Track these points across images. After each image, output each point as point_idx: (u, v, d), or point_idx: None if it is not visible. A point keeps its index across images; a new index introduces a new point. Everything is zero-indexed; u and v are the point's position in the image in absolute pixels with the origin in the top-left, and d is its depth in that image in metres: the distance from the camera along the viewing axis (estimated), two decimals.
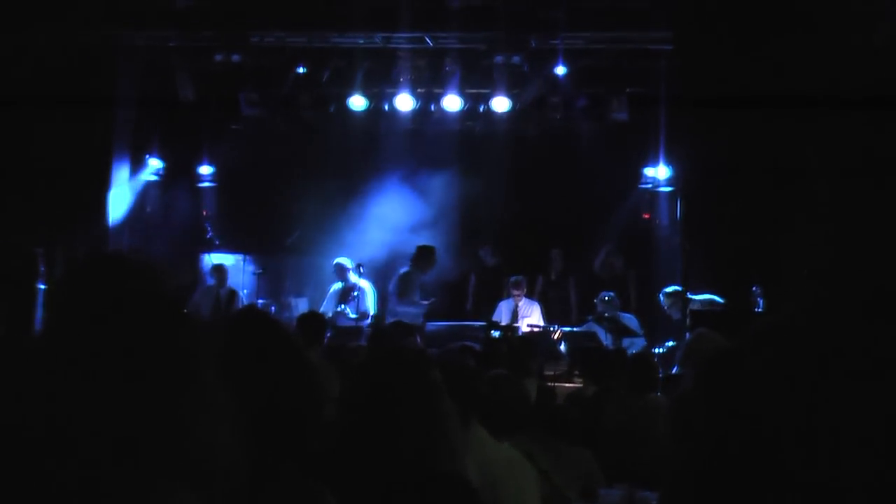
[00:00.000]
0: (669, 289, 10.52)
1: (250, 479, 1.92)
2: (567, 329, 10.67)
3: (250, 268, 12.48)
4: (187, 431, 1.42)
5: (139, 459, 1.37)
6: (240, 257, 12.70)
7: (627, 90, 12.19)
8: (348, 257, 11.48)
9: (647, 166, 12.66)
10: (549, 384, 7.42)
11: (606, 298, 10.79)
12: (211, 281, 11.68)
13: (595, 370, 6.60)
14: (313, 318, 7.78)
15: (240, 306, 11.21)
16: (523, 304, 11.49)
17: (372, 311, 11.12)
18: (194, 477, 1.41)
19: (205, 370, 1.49)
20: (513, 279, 11.53)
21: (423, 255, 11.04)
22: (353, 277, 11.28)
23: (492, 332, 10.16)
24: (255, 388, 2.01)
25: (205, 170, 13.58)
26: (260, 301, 11.88)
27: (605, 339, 10.31)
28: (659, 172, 12.52)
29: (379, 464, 2.53)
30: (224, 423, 1.49)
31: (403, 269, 11.04)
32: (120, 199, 12.40)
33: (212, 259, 12.32)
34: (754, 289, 9.78)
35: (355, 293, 11.05)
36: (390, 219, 12.30)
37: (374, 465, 2.53)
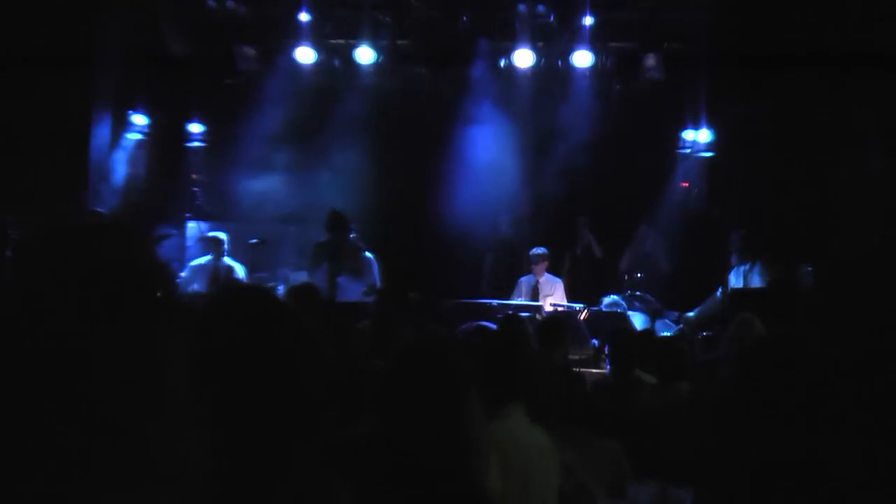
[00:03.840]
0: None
1: (261, 470, 1.98)
2: (595, 309, 10.70)
3: (244, 238, 12.49)
4: (154, 436, 1.39)
5: (99, 465, 1.35)
6: (233, 226, 12.71)
7: (664, 45, 12.15)
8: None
9: (685, 130, 12.63)
10: (576, 370, 7.47)
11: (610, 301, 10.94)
12: (206, 253, 11.70)
13: (619, 355, 6.65)
14: (304, 290, 7.64)
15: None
16: (545, 280, 11.52)
17: (378, 284, 11.14)
18: (158, 485, 1.38)
19: (178, 362, 1.46)
20: (534, 251, 11.54)
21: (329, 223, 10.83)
22: None
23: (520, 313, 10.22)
24: (262, 374, 2.05)
25: (195, 128, 13.57)
26: (256, 275, 11.91)
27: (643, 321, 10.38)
28: (699, 136, 12.48)
29: (395, 458, 2.70)
30: (193, 427, 1.47)
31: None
32: (101, 161, 12.44)
33: (202, 227, 12.35)
34: (802, 267, 9.81)
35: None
36: (400, 185, 12.30)
37: (389, 460, 2.68)
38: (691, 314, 10.81)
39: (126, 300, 1.42)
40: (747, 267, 10.44)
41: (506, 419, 3.54)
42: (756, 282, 10.31)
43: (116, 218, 12.05)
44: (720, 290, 10.46)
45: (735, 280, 10.44)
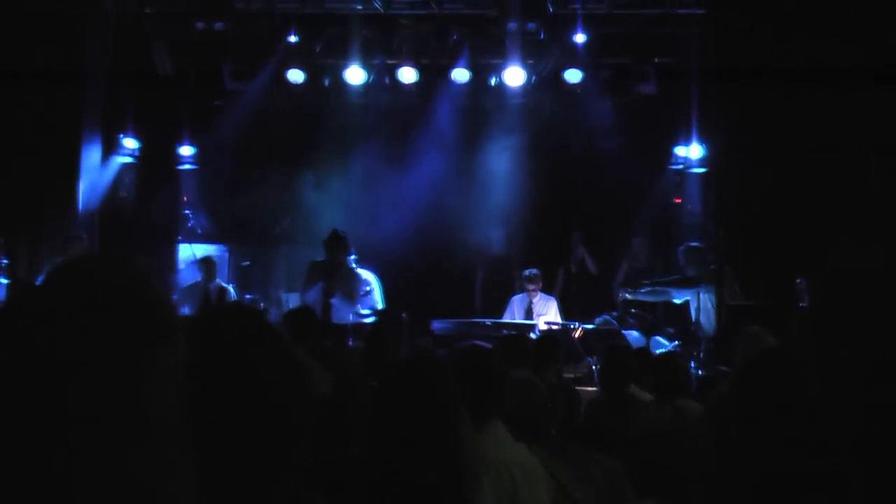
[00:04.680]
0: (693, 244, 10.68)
1: (242, 493, 1.94)
2: (589, 326, 10.67)
3: (236, 260, 12.46)
4: (138, 462, 1.37)
5: (81, 490, 1.32)
6: (224, 248, 12.69)
7: (655, 60, 12.17)
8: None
9: (677, 145, 12.64)
10: (572, 388, 7.44)
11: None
12: (197, 275, 11.66)
13: (613, 371, 6.63)
14: (302, 314, 7.77)
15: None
16: (538, 299, 11.50)
17: (381, 306, 11.12)
18: None
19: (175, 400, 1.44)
20: (526, 273, 11.54)
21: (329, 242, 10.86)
22: (357, 269, 11.23)
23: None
24: (240, 394, 2.02)
25: (185, 151, 13.55)
26: (247, 296, 11.87)
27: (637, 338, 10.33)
28: (691, 152, 12.50)
29: (388, 480, 2.72)
30: (181, 453, 1.44)
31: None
32: (90, 184, 12.40)
33: (194, 250, 12.31)
34: (798, 281, 9.78)
35: (368, 287, 11.04)
36: (390, 204, 12.29)
37: (383, 482, 2.69)
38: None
39: (123, 326, 1.40)
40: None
41: (485, 436, 3.52)
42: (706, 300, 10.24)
43: (104, 243, 12.02)
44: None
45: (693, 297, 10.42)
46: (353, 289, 10.78)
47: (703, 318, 10.14)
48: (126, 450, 1.35)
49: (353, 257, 11.07)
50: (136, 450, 1.36)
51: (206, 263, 11.64)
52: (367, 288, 10.99)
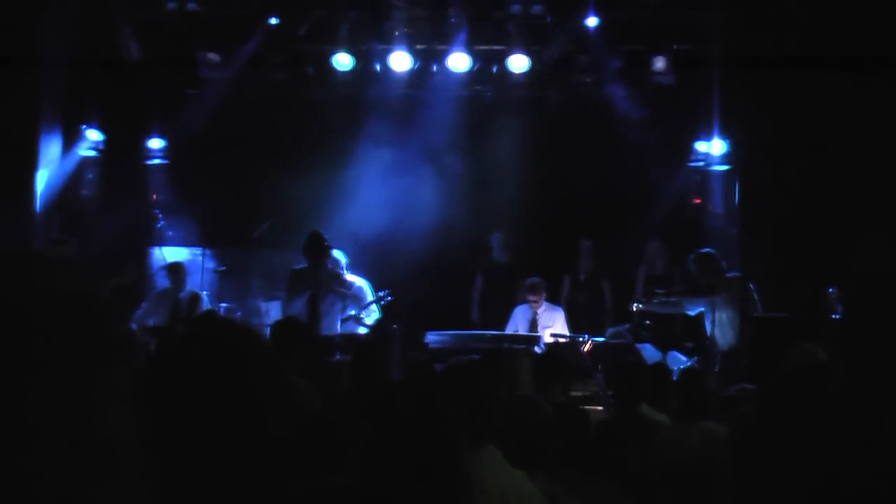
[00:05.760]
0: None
1: None
2: (599, 340, 10.66)
3: (210, 265, 12.44)
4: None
5: None
6: (197, 252, 12.66)
7: (673, 47, 12.17)
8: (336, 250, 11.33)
9: (697, 140, 12.64)
10: (580, 408, 7.44)
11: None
12: (166, 283, 11.64)
13: (622, 390, 6.64)
14: (290, 326, 7.75)
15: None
16: (543, 310, 11.48)
17: (377, 316, 11.11)
18: None
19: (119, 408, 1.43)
20: (529, 282, 11.52)
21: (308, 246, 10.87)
22: (349, 276, 11.21)
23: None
24: (221, 418, 2.01)
25: (154, 144, 13.54)
26: (223, 305, 11.85)
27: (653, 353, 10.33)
28: (712, 148, 12.49)
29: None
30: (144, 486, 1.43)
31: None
32: (50, 180, 12.38)
33: (164, 255, 12.29)
34: (831, 291, 9.78)
35: (381, 295, 11.04)
36: (380, 205, 12.28)
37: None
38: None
39: (58, 339, 1.39)
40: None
41: (478, 462, 3.52)
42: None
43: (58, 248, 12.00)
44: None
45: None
46: (343, 289, 10.77)
47: (717, 333, 10.10)
48: (78, 469, 1.35)
49: (345, 261, 11.05)
50: (89, 469, 1.36)
51: (174, 270, 11.61)
52: (380, 295, 10.98)
